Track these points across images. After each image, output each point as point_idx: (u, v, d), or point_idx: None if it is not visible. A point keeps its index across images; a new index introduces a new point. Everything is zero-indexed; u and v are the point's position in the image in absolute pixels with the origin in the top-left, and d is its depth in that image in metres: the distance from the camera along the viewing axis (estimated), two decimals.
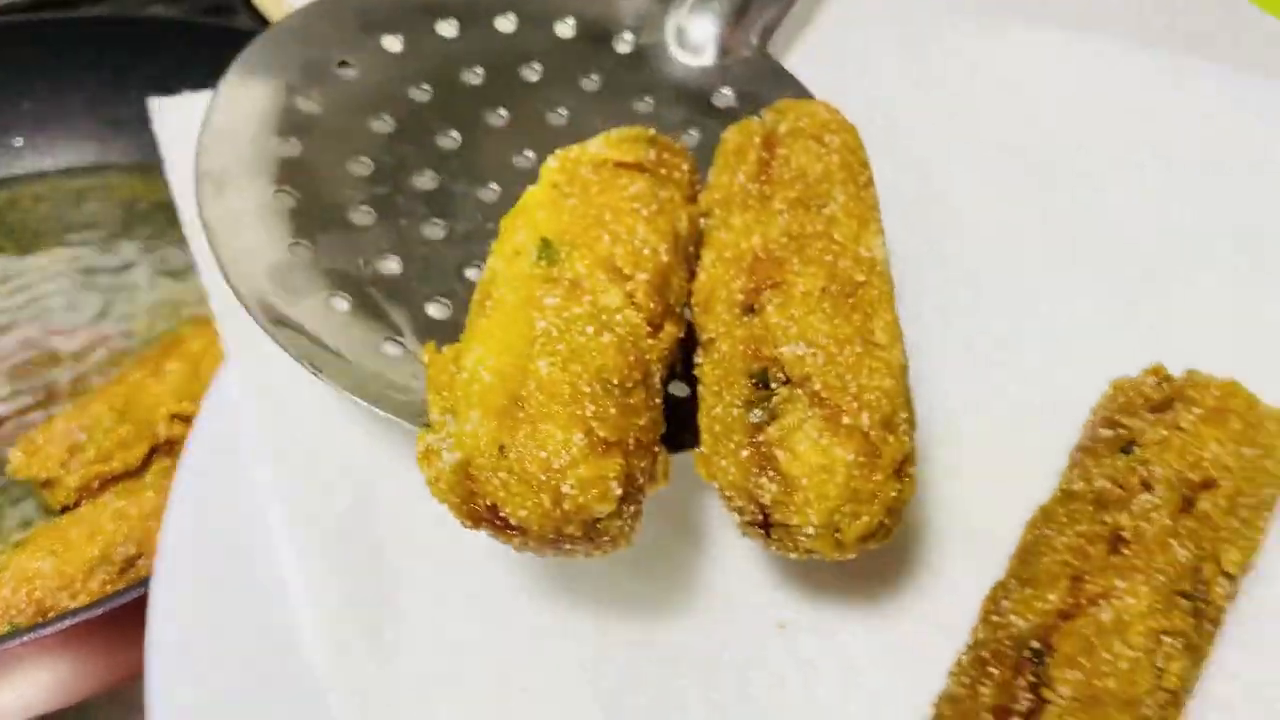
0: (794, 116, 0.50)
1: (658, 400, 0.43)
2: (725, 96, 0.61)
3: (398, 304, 0.50)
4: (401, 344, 0.49)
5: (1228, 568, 0.41)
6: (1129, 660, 0.37)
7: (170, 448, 0.68)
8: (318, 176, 0.53)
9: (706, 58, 0.63)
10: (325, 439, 0.49)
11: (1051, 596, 0.40)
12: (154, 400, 0.69)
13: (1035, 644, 0.38)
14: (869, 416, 0.40)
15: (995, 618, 0.41)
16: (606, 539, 0.40)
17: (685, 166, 0.50)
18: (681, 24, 0.63)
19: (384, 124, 0.56)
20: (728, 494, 0.42)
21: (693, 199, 0.50)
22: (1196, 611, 0.40)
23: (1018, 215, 0.58)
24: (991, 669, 0.38)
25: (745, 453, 0.41)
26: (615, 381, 0.40)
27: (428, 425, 0.42)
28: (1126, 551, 0.40)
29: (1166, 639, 0.38)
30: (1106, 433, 0.45)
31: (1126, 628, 0.38)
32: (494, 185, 0.55)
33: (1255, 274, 0.55)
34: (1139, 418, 0.44)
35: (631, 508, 0.40)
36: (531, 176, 0.48)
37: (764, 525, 0.41)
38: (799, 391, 0.41)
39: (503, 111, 0.58)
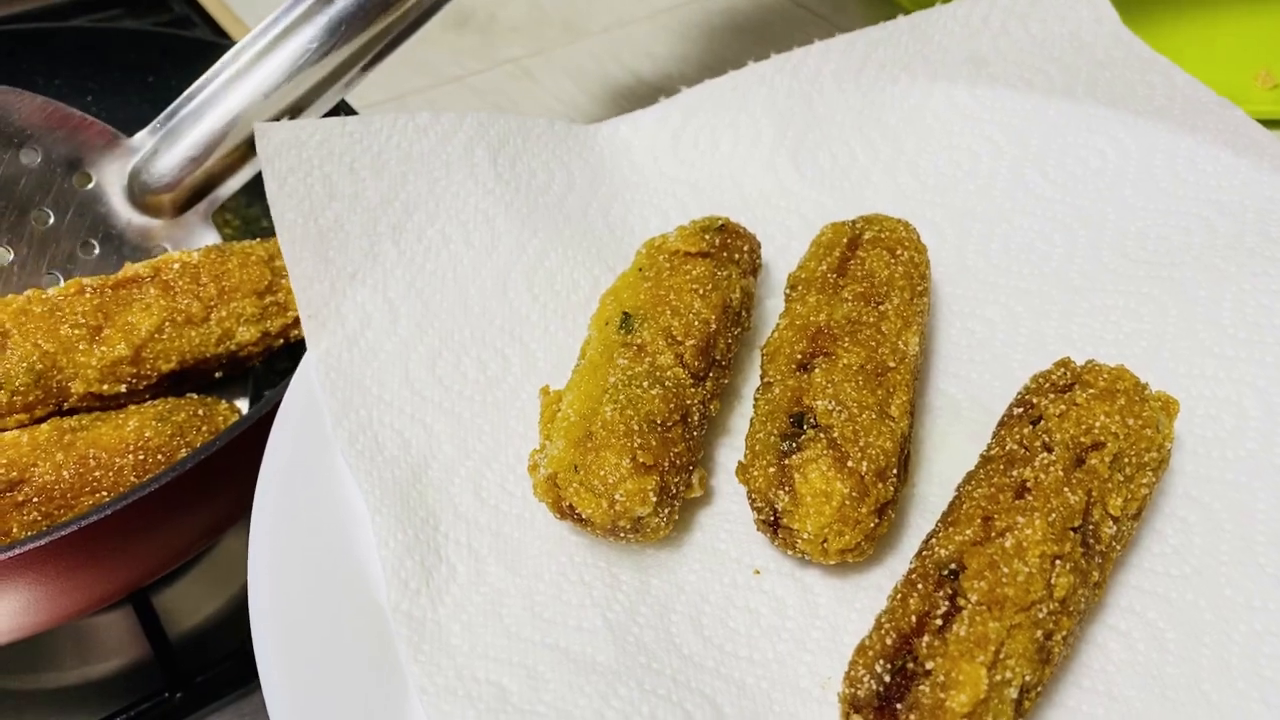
0: (878, 228, 0.64)
1: (696, 434, 0.57)
2: (165, 250, 0.73)
3: None
4: None
5: (1112, 511, 0.50)
6: (1025, 575, 0.47)
7: None
8: None
9: (156, 218, 0.74)
10: (385, 426, 0.60)
11: (968, 532, 0.49)
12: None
13: (953, 565, 0.48)
14: (868, 465, 0.52)
15: (924, 553, 0.51)
16: (649, 529, 0.54)
17: (747, 248, 0.65)
18: (144, 180, 0.73)
19: None
20: (753, 496, 0.54)
21: (753, 271, 0.65)
22: (1085, 543, 0.49)
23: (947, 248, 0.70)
24: (918, 585, 0.48)
25: (772, 469, 0.53)
26: (658, 421, 0.54)
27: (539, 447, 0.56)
28: (1029, 497, 0.50)
29: (1058, 561, 0.48)
30: (1019, 410, 0.55)
31: (1025, 551, 0.48)
32: None
33: (1145, 284, 0.66)
34: (1045, 397, 0.55)
35: (666, 510, 0.54)
36: None
37: (774, 525, 0.54)
38: (821, 435, 0.53)
39: None
